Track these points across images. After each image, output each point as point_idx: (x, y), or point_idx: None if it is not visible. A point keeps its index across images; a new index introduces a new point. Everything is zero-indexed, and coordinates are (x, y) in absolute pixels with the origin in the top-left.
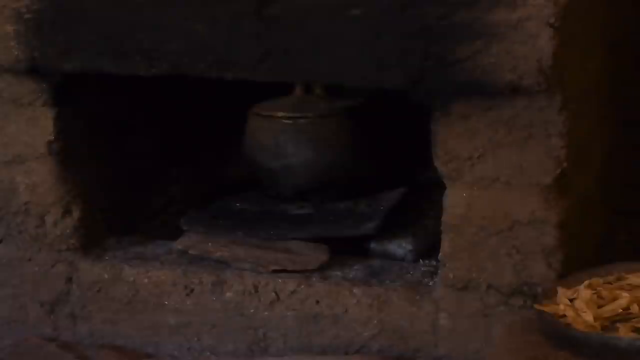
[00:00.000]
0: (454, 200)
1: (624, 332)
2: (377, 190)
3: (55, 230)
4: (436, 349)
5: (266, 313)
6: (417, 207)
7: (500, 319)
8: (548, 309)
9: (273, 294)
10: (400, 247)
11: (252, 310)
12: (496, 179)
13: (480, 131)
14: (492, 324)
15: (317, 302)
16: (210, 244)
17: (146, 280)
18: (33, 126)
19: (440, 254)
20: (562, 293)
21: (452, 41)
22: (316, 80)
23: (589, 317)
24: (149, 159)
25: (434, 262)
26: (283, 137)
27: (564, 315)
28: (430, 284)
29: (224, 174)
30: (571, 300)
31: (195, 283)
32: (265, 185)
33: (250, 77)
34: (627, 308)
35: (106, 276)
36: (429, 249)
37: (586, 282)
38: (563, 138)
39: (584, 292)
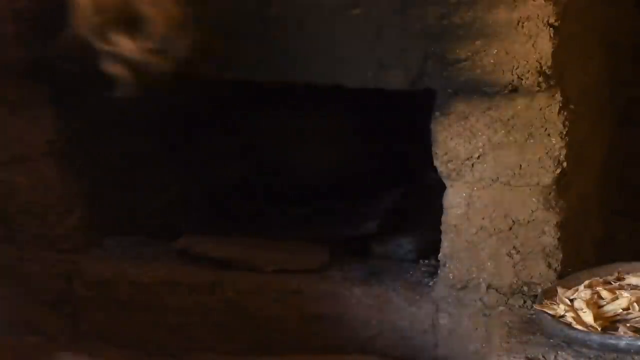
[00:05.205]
0: (454, 200)
1: (624, 332)
2: (377, 190)
3: (56, 230)
4: (436, 349)
5: (266, 313)
6: (417, 207)
7: (500, 319)
8: (548, 309)
9: (273, 294)
10: (400, 247)
11: (252, 310)
12: (496, 179)
13: (480, 131)
14: (492, 324)
15: (317, 302)
16: (210, 244)
17: (146, 280)
18: (33, 126)
19: (440, 254)
20: (562, 293)
21: (452, 41)
22: (316, 80)
23: (589, 317)
24: (149, 159)
25: (434, 262)
26: (284, 137)
27: (564, 315)
28: (430, 284)
29: (224, 174)
30: (571, 300)
31: (195, 283)
32: (265, 185)
33: (250, 77)
34: (627, 308)
35: (106, 276)
36: (429, 249)
37: (586, 282)
38: (563, 138)
39: (584, 292)
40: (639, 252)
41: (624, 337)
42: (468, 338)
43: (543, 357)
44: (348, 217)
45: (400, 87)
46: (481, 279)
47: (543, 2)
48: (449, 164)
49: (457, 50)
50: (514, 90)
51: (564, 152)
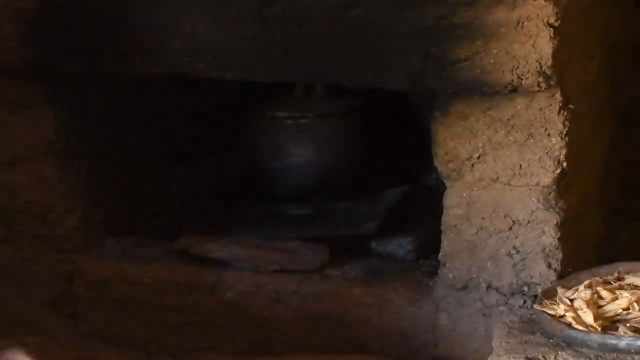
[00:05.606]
0: (454, 200)
1: (624, 332)
2: (377, 190)
3: (56, 229)
4: (436, 349)
5: (266, 313)
6: (417, 207)
7: (500, 319)
8: (548, 309)
9: (273, 294)
10: (400, 247)
11: (252, 310)
12: (496, 179)
13: (480, 131)
14: (492, 324)
15: (317, 302)
16: (210, 244)
17: (146, 280)
18: (33, 126)
19: (440, 254)
20: (562, 293)
21: (452, 41)
22: (316, 80)
23: (589, 317)
24: (149, 159)
25: (434, 262)
26: (283, 137)
27: (564, 315)
28: (430, 284)
29: (224, 174)
30: (571, 300)
31: (195, 283)
32: (265, 185)
33: (250, 77)
34: (627, 308)
35: (106, 276)
36: (429, 249)
37: (586, 282)
38: (563, 138)
39: (584, 292)
40: (639, 252)
41: (624, 337)
42: (468, 338)
43: (543, 357)
44: (348, 217)
45: (400, 87)
46: (481, 279)
47: (543, 2)
48: (449, 164)
49: (457, 50)
50: (514, 90)
51: (564, 152)
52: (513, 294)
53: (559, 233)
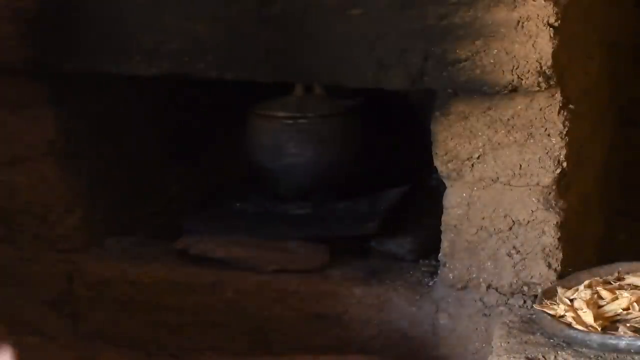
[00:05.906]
0: (454, 200)
1: (624, 332)
2: (377, 190)
3: (56, 230)
4: (436, 349)
5: (266, 313)
6: (417, 207)
7: (500, 319)
8: (548, 309)
9: (273, 294)
10: (400, 247)
11: (252, 310)
12: (496, 179)
13: (480, 131)
14: (492, 324)
15: (317, 302)
16: (210, 244)
17: (146, 280)
18: (34, 126)
19: (440, 254)
20: (562, 293)
21: (452, 41)
22: (316, 80)
23: (589, 317)
24: (149, 159)
25: (434, 262)
26: (283, 137)
27: (564, 315)
28: (430, 284)
29: (224, 174)
30: (571, 300)
31: (195, 283)
32: (265, 185)
33: (250, 77)
34: (627, 308)
35: (106, 276)
36: (429, 249)
37: (586, 282)
38: (563, 138)
39: (584, 292)
40: (639, 252)
41: (624, 337)
42: (468, 338)
43: (543, 357)
44: (348, 217)
45: (400, 87)
46: (481, 279)
47: (543, 2)
48: (449, 164)
49: (457, 50)
50: (514, 90)
51: (564, 152)
52: (513, 294)
53: (559, 233)
